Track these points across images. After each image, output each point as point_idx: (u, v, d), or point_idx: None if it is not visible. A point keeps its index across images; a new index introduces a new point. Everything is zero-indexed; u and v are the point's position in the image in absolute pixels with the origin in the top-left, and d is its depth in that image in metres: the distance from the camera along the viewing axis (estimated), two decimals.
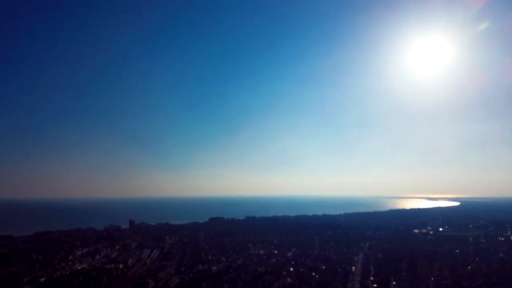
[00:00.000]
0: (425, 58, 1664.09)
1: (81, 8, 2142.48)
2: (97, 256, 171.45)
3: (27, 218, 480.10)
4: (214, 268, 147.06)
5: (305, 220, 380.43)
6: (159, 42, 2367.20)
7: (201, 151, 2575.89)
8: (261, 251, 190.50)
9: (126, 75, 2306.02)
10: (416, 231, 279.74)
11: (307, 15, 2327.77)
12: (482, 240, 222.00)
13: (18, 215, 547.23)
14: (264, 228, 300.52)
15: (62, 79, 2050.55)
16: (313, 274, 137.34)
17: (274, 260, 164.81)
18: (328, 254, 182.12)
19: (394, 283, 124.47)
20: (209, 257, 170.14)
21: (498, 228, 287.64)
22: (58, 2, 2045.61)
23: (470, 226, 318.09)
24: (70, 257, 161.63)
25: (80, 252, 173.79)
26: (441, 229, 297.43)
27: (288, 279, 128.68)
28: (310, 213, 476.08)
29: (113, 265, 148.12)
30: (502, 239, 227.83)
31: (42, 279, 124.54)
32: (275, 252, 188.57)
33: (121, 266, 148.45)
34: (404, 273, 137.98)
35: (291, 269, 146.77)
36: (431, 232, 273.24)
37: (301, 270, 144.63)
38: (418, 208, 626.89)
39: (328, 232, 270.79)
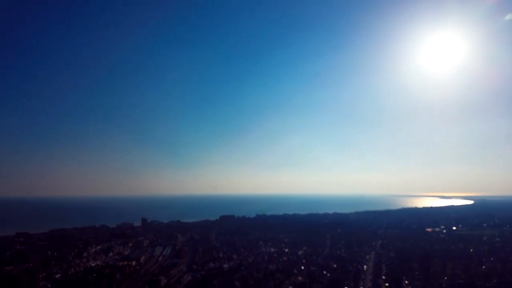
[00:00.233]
0: (436, 55, 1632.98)
1: (92, 8, 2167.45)
2: (111, 253, 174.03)
3: (42, 216, 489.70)
4: (225, 265, 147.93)
5: (316, 219, 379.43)
6: (169, 41, 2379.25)
7: (212, 149, 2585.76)
8: (272, 249, 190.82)
9: (137, 74, 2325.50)
10: (429, 229, 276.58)
11: (317, 13, 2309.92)
12: (497, 239, 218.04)
13: (34, 213, 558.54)
14: (274, 226, 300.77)
15: (74, 78, 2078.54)
16: (324, 272, 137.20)
17: (285, 258, 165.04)
18: (339, 252, 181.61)
19: (406, 282, 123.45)
20: (221, 255, 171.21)
21: None
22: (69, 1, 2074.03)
23: (485, 225, 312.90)
24: (84, 254, 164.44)
25: (94, 249, 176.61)
26: (454, 228, 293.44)
27: (299, 278, 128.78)
28: (321, 212, 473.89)
29: (126, 262, 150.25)
30: None
31: (57, 276, 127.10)
32: (286, 250, 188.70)
33: (133, 263, 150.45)
34: (416, 272, 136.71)
35: (302, 267, 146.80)
36: (444, 231, 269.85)
37: (312, 268, 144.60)
38: (431, 207, 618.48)
39: (339, 230, 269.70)
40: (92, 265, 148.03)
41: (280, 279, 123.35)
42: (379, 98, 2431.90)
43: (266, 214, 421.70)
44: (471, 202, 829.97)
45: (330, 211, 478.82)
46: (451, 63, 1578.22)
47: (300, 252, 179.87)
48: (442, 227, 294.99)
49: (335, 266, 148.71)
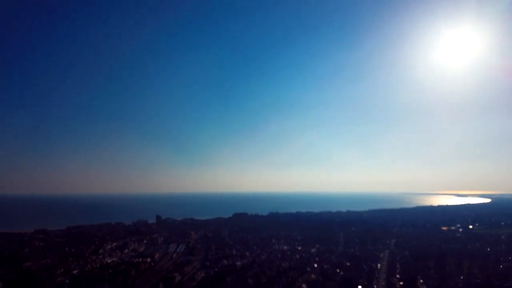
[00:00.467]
0: (451, 52, 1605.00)
1: (107, 7, 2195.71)
2: (126, 250, 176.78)
3: (59, 213, 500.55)
4: (238, 263, 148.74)
5: (329, 217, 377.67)
6: (180, 41, 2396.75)
7: (225, 148, 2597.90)
8: (285, 247, 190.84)
9: (152, 74, 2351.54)
10: (444, 228, 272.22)
11: (330, 10, 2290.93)
12: None
13: (51, 211, 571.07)
14: (287, 224, 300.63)
15: (87, 77, 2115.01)
16: (338, 270, 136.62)
17: (298, 256, 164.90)
18: (352, 250, 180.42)
19: (421, 281, 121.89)
20: (234, 252, 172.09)
21: None
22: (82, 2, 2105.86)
23: (502, 223, 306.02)
24: (100, 251, 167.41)
25: (109, 246, 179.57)
26: (471, 226, 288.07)
27: (312, 275, 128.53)
28: (334, 210, 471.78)
29: (141, 259, 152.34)
30: None
31: (75, 272, 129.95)
32: (299, 248, 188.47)
33: (148, 260, 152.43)
34: (432, 271, 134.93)
35: (315, 265, 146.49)
36: (461, 230, 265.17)
37: (325, 266, 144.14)
38: (447, 205, 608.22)
39: (352, 228, 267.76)
40: (108, 261, 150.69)
41: (293, 276, 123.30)
42: (393, 96, 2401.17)
43: (278, 212, 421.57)
44: (488, 200, 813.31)
45: (343, 209, 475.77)
46: (466, 60, 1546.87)
47: (313, 250, 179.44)
48: (458, 225, 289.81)
49: (348, 264, 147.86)
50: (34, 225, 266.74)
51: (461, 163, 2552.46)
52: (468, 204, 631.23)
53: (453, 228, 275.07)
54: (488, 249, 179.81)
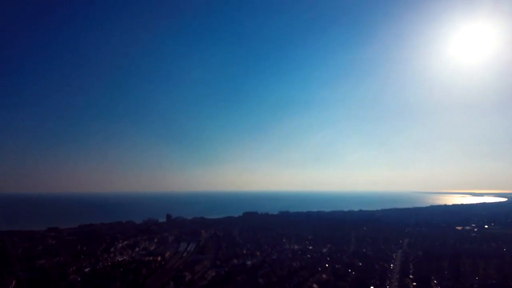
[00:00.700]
0: (469, 46, 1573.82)
1: (116, 4, 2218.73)
2: (137, 249, 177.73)
3: (71, 212, 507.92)
4: (248, 262, 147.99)
5: (341, 216, 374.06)
6: (192, 38, 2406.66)
7: (235, 146, 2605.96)
8: (296, 247, 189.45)
9: (161, 72, 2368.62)
10: (459, 228, 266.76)
11: (341, 5, 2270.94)
12: None
13: (63, 209, 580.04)
14: (298, 223, 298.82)
15: (98, 76, 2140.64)
16: (349, 270, 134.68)
17: (309, 256, 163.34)
18: (364, 250, 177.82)
19: (435, 282, 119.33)
20: (244, 252, 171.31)
21: None
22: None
23: None
24: (112, 249, 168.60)
25: (120, 245, 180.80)
26: (486, 226, 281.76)
27: (324, 275, 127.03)
28: (345, 209, 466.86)
29: (151, 258, 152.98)
30: None
31: (87, 269, 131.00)
32: (310, 247, 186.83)
33: (159, 258, 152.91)
34: (446, 272, 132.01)
35: (327, 265, 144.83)
36: (476, 229, 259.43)
37: (336, 266, 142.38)
38: (461, 204, 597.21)
39: (364, 228, 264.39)
40: (119, 259, 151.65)
41: (304, 276, 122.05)
42: (406, 93, 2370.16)
43: (289, 211, 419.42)
44: (504, 199, 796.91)
45: (355, 209, 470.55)
46: (482, 55, 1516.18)
47: (324, 250, 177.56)
48: (473, 225, 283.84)
49: (360, 264, 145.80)
50: (46, 223, 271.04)
51: (477, 161, 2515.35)
52: (484, 203, 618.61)
53: (468, 227, 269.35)
54: (504, 249, 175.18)
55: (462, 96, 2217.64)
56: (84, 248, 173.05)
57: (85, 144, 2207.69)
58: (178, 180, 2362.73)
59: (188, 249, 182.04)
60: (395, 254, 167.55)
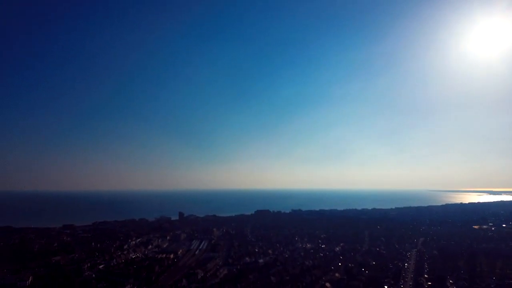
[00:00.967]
0: (488, 41, 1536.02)
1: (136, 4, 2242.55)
2: (150, 246, 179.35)
3: (86, 209, 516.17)
4: (261, 260, 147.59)
5: (354, 214, 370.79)
6: (204, 38, 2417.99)
7: (248, 144, 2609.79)
8: (308, 245, 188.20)
9: (174, 71, 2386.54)
10: (475, 227, 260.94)
11: (355, 2, 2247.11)
12: None
13: (79, 206, 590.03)
14: (310, 221, 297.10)
15: (110, 76, 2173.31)
16: (363, 269, 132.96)
17: (321, 254, 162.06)
18: (378, 249, 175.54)
19: (450, 281, 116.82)
20: (256, 250, 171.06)
21: None
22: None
23: None
24: (125, 247, 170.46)
25: (134, 242, 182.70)
26: (504, 225, 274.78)
27: (337, 274, 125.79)
28: (359, 207, 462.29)
29: (164, 255, 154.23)
30: None
31: (101, 266, 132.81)
32: (323, 246, 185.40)
33: (171, 256, 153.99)
34: (462, 271, 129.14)
35: (340, 264, 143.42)
36: (493, 228, 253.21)
37: (350, 265, 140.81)
38: (478, 202, 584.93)
39: (378, 227, 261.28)
40: (133, 257, 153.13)
41: (316, 275, 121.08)
42: (422, 90, 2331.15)
43: (301, 209, 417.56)
44: None
45: (369, 207, 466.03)
46: (500, 51, 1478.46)
47: (337, 249, 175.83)
48: (491, 224, 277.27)
49: (374, 263, 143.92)
50: (62, 221, 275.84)
51: (494, 159, 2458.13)
52: (502, 202, 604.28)
53: (485, 226, 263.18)
54: None
55: (479, 93, 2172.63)
56: (99, 245, 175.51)
57: (100, 143, 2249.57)
58: (190, 178, 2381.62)
59: (201, 247, 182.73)
60: (409, 253, 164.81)
